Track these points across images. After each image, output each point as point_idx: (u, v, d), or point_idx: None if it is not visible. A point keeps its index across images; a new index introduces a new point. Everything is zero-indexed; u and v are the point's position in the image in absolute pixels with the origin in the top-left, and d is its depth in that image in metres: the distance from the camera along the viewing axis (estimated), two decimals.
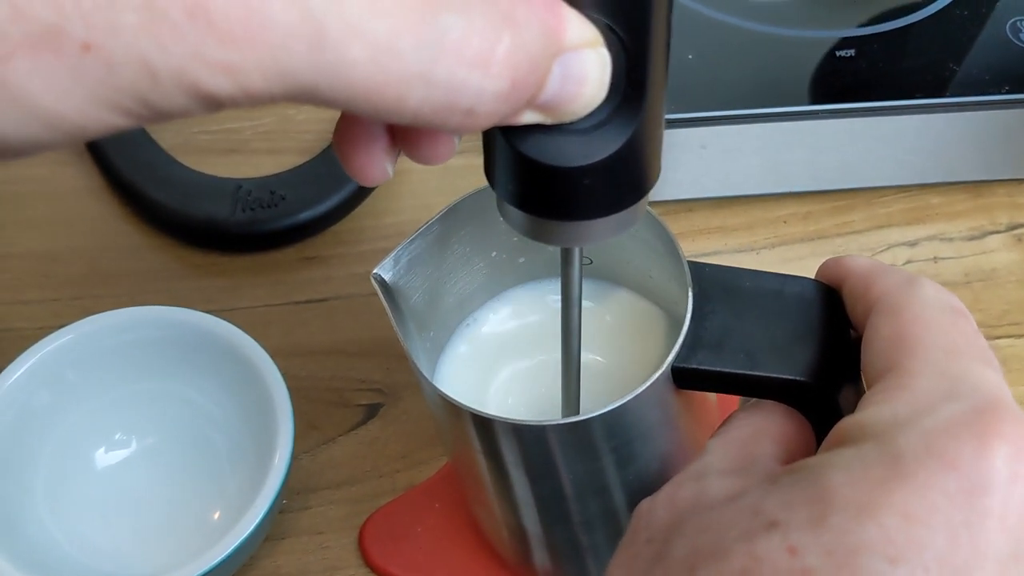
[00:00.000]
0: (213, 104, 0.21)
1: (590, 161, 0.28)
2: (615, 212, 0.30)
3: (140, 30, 0.20)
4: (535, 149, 0.28)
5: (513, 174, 0.29)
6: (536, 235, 0.31)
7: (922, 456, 0.27)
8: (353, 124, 0.29)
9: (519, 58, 0.24)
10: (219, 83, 0.21)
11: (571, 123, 0.27)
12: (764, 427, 0.35)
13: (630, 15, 0.27)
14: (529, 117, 0.26)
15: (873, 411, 0.29)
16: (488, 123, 0.25)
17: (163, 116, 0.21)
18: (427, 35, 0.22)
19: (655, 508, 0.32)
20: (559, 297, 0.47)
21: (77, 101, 0.20)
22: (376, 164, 0.30)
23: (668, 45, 0.28)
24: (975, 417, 0.27)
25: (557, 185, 0.29)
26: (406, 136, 0.30)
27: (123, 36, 0.20)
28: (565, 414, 0.40)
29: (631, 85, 0.28)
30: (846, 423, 0.30)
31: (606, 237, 0.31)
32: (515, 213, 0.31)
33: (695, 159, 0.58)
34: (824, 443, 0.30)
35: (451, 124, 0.24)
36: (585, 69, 0.26)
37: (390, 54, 0.22)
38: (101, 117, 0.21)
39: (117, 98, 0.21)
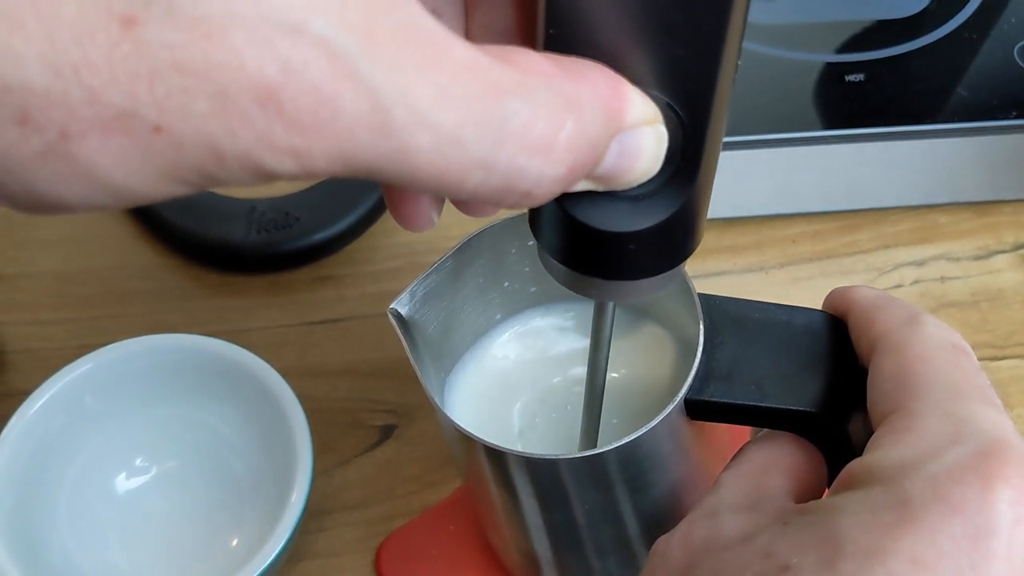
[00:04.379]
0: (272, 179, 0.22)
1: (637, 228, 0.29)
2: (656, 275, 0.31)
3: (211, 116, 0.20)
4: (583, 212, 0.29)
5: (559, 231, 0.30)
6: (575, 287, 0.32)
7: (929, 501, 0.27)
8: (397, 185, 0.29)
9: (580, 142, 0.24)
10: (283, 165, 0.21)
11: (622, 190, 0.28)
12: (775, 459, 0.35)
13: (692, 97, 0.27)
14: (582, 185, 0.26)
15: (881, 454, 0.30)
16: (543, 202, 0.25)
17: (221, 185, 0.22)
18: (491, 123, 0.23)
19: (671, 547, 0.33)
20: (572, 322, 0.48)
21: (144, 176, 0.21)
22: (423, 214, 0.31)
23: (724, 124, 0.29)
24: (979, 460, 0.28)
25: (602, 247, 0.29)
26: None
27: (193, 121, 0.20)
28: (583, 445, 0.41)
29: (685, 159, 0.28)
30: (855, 465, 0.30)
31: (644, 296, 0.32)
32: (556, 265, 0.31)
33: None
34: (834, 485, 0.31)
35: (506, 203, 0.25)
36: (641, 145, 0.26)
37: (454, 143, 0.22)
38: (164, 188, 0.21)
39: (182, 174, 0.21)
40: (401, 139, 0.22)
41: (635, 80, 0.26)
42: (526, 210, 0.41)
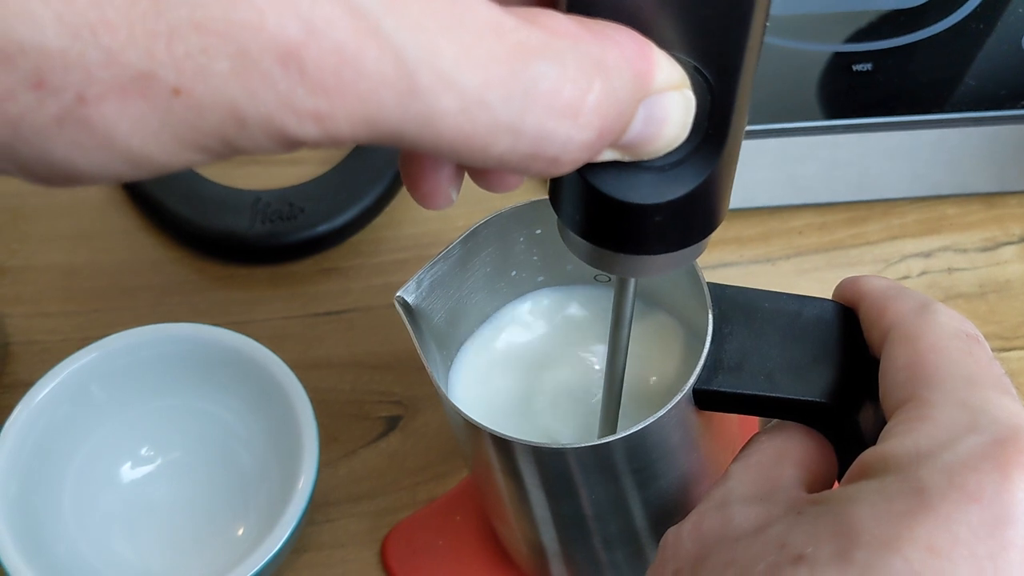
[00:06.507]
0: (295, 146, 0.21)
1: (663, 200, 0.28)
2: (680, 249, 0.30)
3: (231, 77, 0.20)
4: (608, 184, 0.28)
5: (581, 205, 0.29)
6: (596, 263, 0.31)
7: (945, 489, 0.27)
8: (421, 152, 0.29)
9: (608, 106, 0.24)
10: (306, 129, 0.21)
11: (648, 160, 0.27)
12: (786, 450, 0.35)
13: (720, 60, 0.26)
14: (607, 155, 0.26)
15: (895, 443, 0.29)
16: (570, 169, 0.25)
17: (242, 154, 0.21)
18: (518, 85, 0.22)
19: (681, 538, 0.32)
20: (580, 311, 0.48)
21: (163, 142, 0.20)
22: (442, 191, 0.30)
23: (751, 91, 0.28)
24: (996, 448, 0.28)
25: (626, 220, 0.29)
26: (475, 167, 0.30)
27: (214, 82, 0.20)
28: (603, 431, 0.41)
29: (712, 127, 0.27)
30: (869, 455, 0.30)
31: (667, 271, 0.31)
32: (577, 240, 0.31)
33: None
34: (847, 475, 0.31)
35: (533, 170, 0.24)
36: (668, 111, 0.25)
37: (480, 106, 0.22)
38: (183, 156, 0.21)
39: (202, 140, 0.20)
40: (426, 101, 0.21)
41: (661, 43, 0.25)
42: (531, 201, 0.42)
